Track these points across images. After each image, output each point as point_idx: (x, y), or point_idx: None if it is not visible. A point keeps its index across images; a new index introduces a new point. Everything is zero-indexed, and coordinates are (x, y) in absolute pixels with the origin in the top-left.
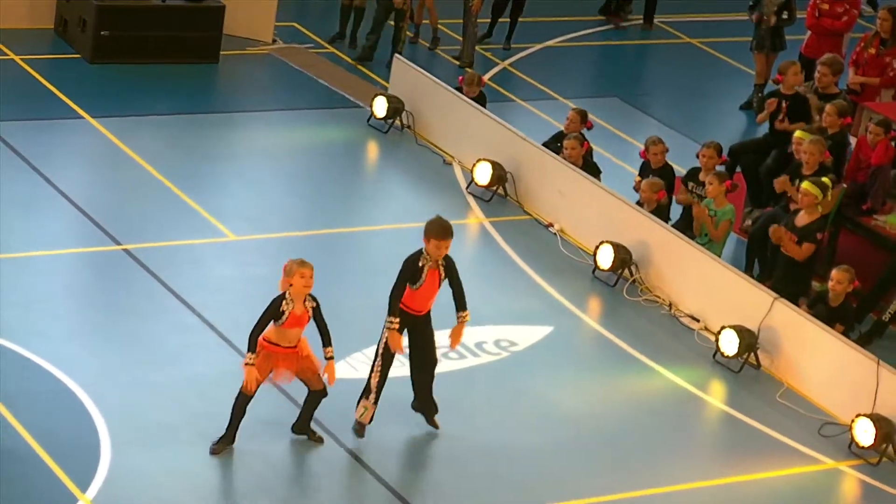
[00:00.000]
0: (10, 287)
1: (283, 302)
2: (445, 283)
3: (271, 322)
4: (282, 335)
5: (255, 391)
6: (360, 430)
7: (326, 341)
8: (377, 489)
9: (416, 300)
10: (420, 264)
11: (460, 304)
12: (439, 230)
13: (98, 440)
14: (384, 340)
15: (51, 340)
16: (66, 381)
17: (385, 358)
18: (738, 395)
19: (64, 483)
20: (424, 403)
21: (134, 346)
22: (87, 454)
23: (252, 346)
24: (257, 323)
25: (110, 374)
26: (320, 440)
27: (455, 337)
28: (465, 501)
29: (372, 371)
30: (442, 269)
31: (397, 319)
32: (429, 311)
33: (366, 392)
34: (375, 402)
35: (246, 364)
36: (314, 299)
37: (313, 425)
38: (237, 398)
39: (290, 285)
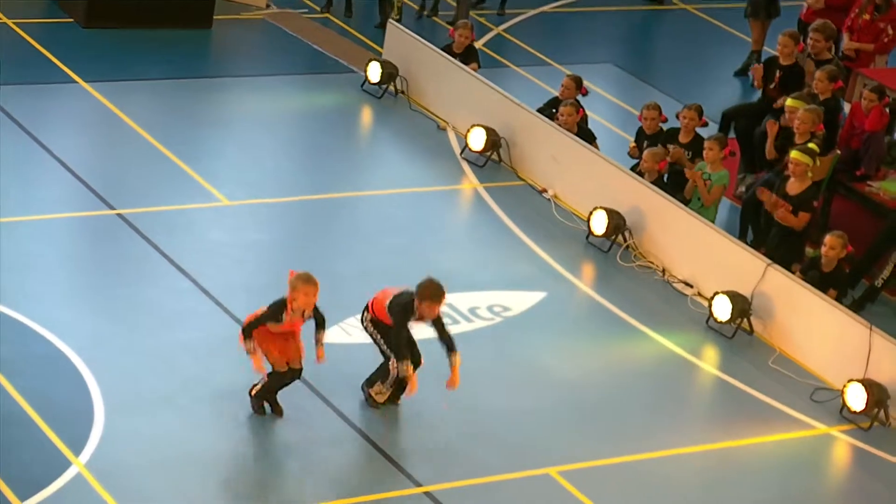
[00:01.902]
0: (3, 251)
1: (284, 312)
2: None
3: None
4: (275, 330)
5: (287, 370)
6: (374, 404)
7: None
8: (370, 453)
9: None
10: (411, 315)
11: (450, 347)
12: (433, 294)
13: (91, 404)
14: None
15: (45, 305)
16: (60, 345)
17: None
18: (731, 361)
19: (57, 447)
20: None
21: (128, 311)
22: (80, 418)
23: (247, 336)
24: (254, 321)
25: (104, 339)
26: (280, 413)
27: (452, 383)
28: (458, 465)
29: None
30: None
31: (408, 361)
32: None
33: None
34: (393, 384)
35: (248, 352)
36: (319, 314)
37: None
38: (269, 376)
39: (294, 300)
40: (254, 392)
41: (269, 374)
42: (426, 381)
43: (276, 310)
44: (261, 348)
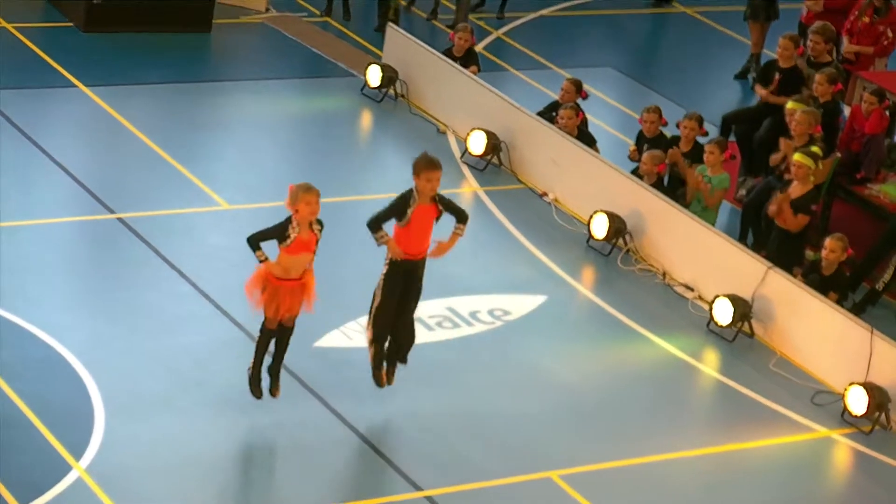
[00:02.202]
0: (3, 255)
1: (289, 227)
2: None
3: (277, 244)
4: (290, 263)
5: (276, 327)
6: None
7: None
8: (371, 457)
9: (407, 241)
10: (409, 203)
11: (461, 218)
12: (426, 163)
13: (92, 408)
14: (382, 277)
15: (45, 308)
16: (60, 349)
17: (384, 297)
18: (732, 364)
19: (58, 451)
20: (399, 354)
21: (128, 315)
22: (80, 422)
23: (255, 248)
24: (259, 232)
25: (104, 343)
26: (276, 394)
27: (441, 248)
28: (459, 468)
29: (369, 316)
30: (438, 203)
31: (382, 231)
32: (424, 258)
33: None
34: (374, 341)
35: (261, 261)
36: (321, 223)
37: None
38: (261, 334)
39: (297, 211)
40: (249, 371)
41: (259, 335)
42: (422, 385)
43: (280, 226)
44: (263, 299)
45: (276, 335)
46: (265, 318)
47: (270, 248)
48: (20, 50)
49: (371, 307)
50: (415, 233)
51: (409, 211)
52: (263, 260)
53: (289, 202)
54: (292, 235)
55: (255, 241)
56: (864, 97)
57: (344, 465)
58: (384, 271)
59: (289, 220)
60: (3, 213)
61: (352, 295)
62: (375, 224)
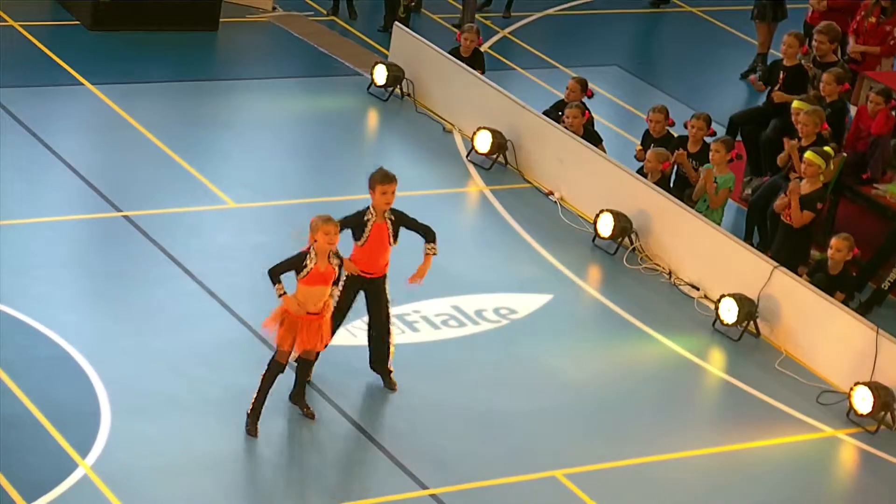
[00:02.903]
0: (10, 253)
1: (307, 257)
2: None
3: (295, 275)
4: (307, 296)
5: (286, 363)
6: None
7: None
8: (375, 455)
9: (365, 259)
10: (365, 218)
11: (428, 237)
12: (382, 176)
13: (98, 407)
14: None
15: (51, 307)
16: (67, 347)
17: (335, 309)
18: (738, 364)
19: (64, 449)
20: (381, 365)
21: (134, 313)
22: (86, 421)
23: (275, 281)
24: (278, 264)
25: (110, 341)
26: (312, 416)
27: (420, 273)
28: (464, 468)
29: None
30: (390, 222)
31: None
32: (383, 276)
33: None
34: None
35: (280, 295)
36: (339, 256)
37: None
38: (268, 369)
39: (315, 241)
40: (249, 408)
41: (267, 369)
42: (429, 384)
43: (298, 255)
44: (280, 332)
45: (283, 371)
46: (277, 351)
47: (289, 281)
48: (27, 48)
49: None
50: (372, 250)
51: (368, 228)
52: (282, 294)
53: (309, 232)
54: (309, 265)
55: (275, 275)
56: (871, 97)
57: (349, 464)
58: (341, 285)
59: (306, 252)
60: (9, 211)
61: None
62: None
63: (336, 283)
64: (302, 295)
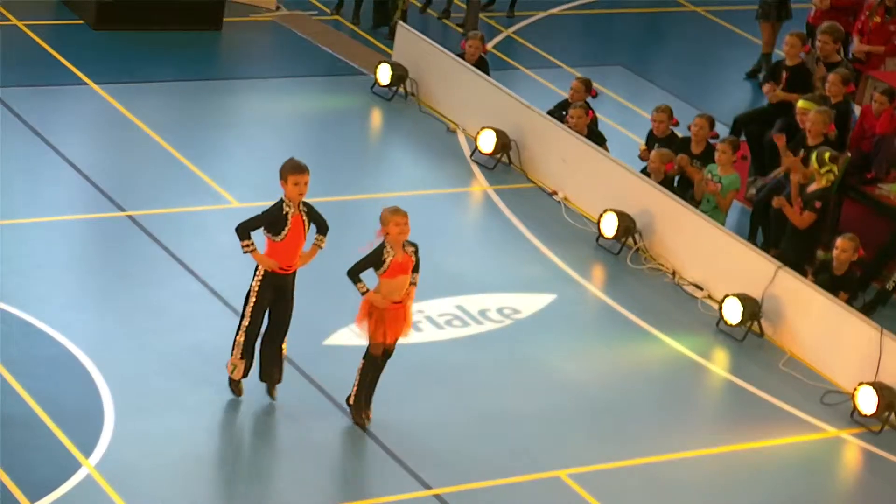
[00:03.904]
0: (13, 253)
1: (384, 251)
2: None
3: (374, 272)
4: (390, 288)
5: (382, 354)
6: (234, 387)
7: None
8: (380, 455)
9: (283, 254)
10: (284, 211)
11: (321, 229)
12: (293, 166)
13: (101, 406)
14: (253, 291)
15: (54, 306)
16: (70, 346)
17: (254, 313)
18: (742, 364)
19: (67, 449)
20: (270, 373)
21: (137, 313)
22: (90, 420)
23: (356, 281)
24: (356, 264)
25: (114, 341)
26: (370, 418)
27: (303, 259)
28: (468, 468)
29: (238, 330)
30: (304, 214)
31: (249, 240)
32: (295, 272)
33: (234, 347)
34: (242, 357)
35: (364, 293)
36: (413, 244)
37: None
38: (364, 362)
39: (387, 234)
40: (352, 399)
41: (364, 361)
42: (432, 384)
43: (375, 252)
44: (370, 326)
45: (378, 363)
46: (371, 343)
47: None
48: (31, 47)
49: (239, 324)
50: (290, 244)
51: (288, 222)
52: (365, 291)
53: (380, 226)
54: (387, 260)
55: (355, 274)
56: (875, 97)
57: (352, 463)
58: (254, 285)
59: (382, 246)
60: (13, 210)
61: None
62: (243, 231)
63: (416, 269)
64: (385, 289)
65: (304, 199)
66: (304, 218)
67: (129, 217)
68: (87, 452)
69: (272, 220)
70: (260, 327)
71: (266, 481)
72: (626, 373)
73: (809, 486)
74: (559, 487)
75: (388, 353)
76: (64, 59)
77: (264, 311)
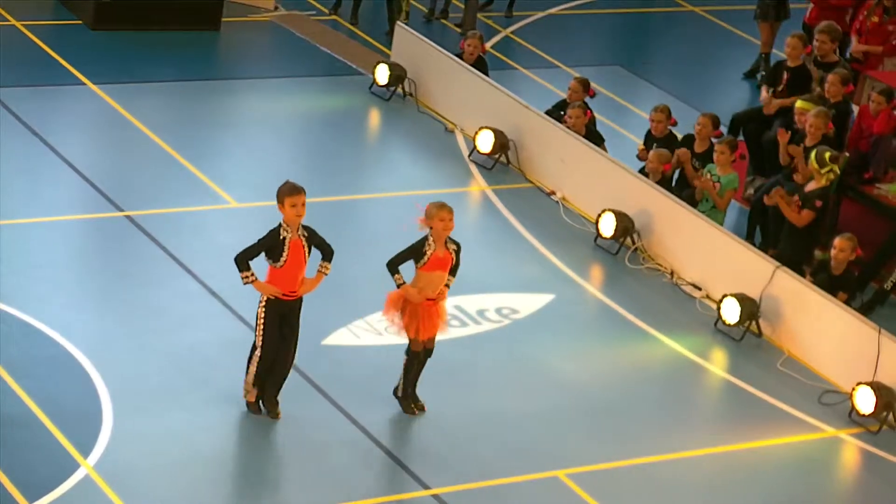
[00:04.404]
0: (12, 253)
1: (426, 244)
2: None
3: (414, 264)
4: (426, 282)
5: (422, 349)
6: (251, 408)
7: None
8: (378, 455)
9: (284, 280)
10: (282, 236)
11: (326, 255)
12: (290, 189)
13: (100, 406)
14: (259, 318)
15: (53, 306)
16: (69, 346)
17: (265, 342)
18: (740, 364)
19: (66, 449)
20: (271, 401)
21: (136, 313)
22: (88, 420)
23: (394, 272)
24: (395, 256)
25: (112, 341)
26: (422, 408)
27: (308, 287)
28: (466, 468)
29: (251, 360)
30: (304, 238)
31: (249, 271)
32: (301, 298)
33: (247, 373)
34: (255, 384)
35: (400, 285)
36: (455, 242)
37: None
38: (407, 358)
39: (431, 228)
40: (400, 392)
41: (407, 357)
42: (431, 384)
43: (416, 244)
44: (403, 322)
45: (423, 357)
46: (409, 340)
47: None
48: (29, 48)
49: (252, 353)
50: (291, 270)
51: (286, 247)
52: (401, 283)
53: (424, 219)
54: (428, 253)
55: (394, 266)
56: (873, 97)
57: (351, 464)
58: (259, 312)
59: (425, 239)
60: (11, 210)
61: (360, 293)
62: (242, 261)
63: (453, 271)
64: (422, 282)
65: (305, 224)
66: (304, 243)
67: (128, 217)
68: (86, 452)
69: (270, 245)
70: (275, 352)
71: (265, 481)
72: (625, 373)
73: (807, 485)
74: (558, 487)
75: (428, 350)
76: (62, 60)
77: (276, 336)
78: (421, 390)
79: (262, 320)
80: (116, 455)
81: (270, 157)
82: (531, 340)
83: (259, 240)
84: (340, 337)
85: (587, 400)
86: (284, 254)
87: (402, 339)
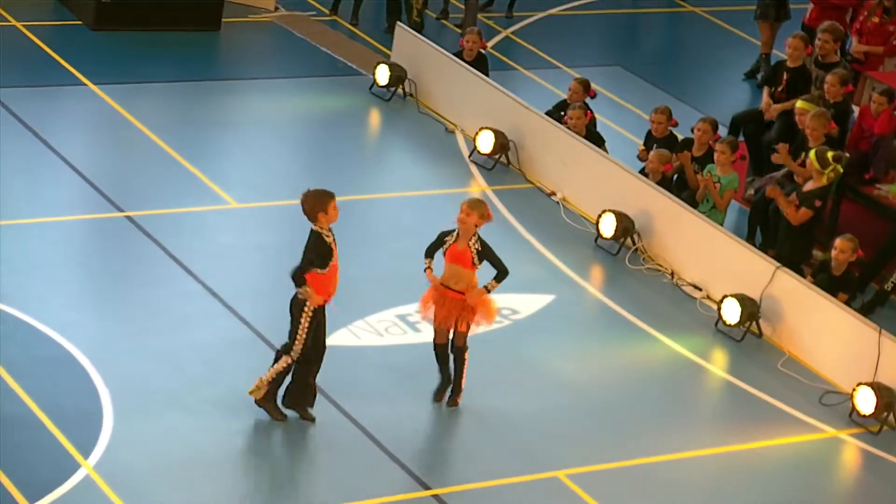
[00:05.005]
0: (12, 253)
1: (450, 234)
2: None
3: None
4: (449, 271)
5: (447, 339)
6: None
7: (497, 276)
8: (379, 456)
9: (328, 284)
10: (328, 242)
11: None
12: (328, 193)
13: (100, 407)
14: (303, 329)
15: (53, 307)
16: (69, 347)
17: (304, 352)
18: (740, 364)
19: (66, 449)
20: (302, 398)
21: (136, 314)
22: (88, 421)
23: (427, 256)
24: (430, 245)
25: (112, 341)
26: (455, 403)
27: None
28: (467, 468)
29: (279, 358)
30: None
31: (306, 284)
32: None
33: (271, 368)
34: (270, 384)
35: (425, 269)
36: (482, 242)
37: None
38: (434, 347)
39: (461, 222)
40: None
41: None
42: (431, 384)
43: (441, 234)
44: (444, 313)
45: (446, 349)
46: (434, 328)
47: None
48: (29, 48)
49: (285, 351)
50: (333, 274)
51: (333, 253)
52: (426, 268)
53: (459, 213)
54: (448, 242)
55: (426, 252)
56: (874, 97)
57: (351, 464)
58: (303, 324)
59: (453, 229)
60: (11, 210)
61: (360, 293)
62: (300, 278)
63: (498, 277)
64: (446, 271)
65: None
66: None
67: (128, 217)
68: (86, 453)
69: (321, 254)
70: (310, 356)
71: (265, 482)
72: (625, 373)
73: (808, 486)
74: (558, 487)
75: (453, 342)
76: (62, 60)
77: (311, 342)
78: (421, 390)
79: (306, 327)
80: (117, 455)
81: (270, 158)
82: (531, 341)
83: (308, 253)
84: (340, 337)
85: (587, 400)
86: (332, 258)
87: (403, 340)
